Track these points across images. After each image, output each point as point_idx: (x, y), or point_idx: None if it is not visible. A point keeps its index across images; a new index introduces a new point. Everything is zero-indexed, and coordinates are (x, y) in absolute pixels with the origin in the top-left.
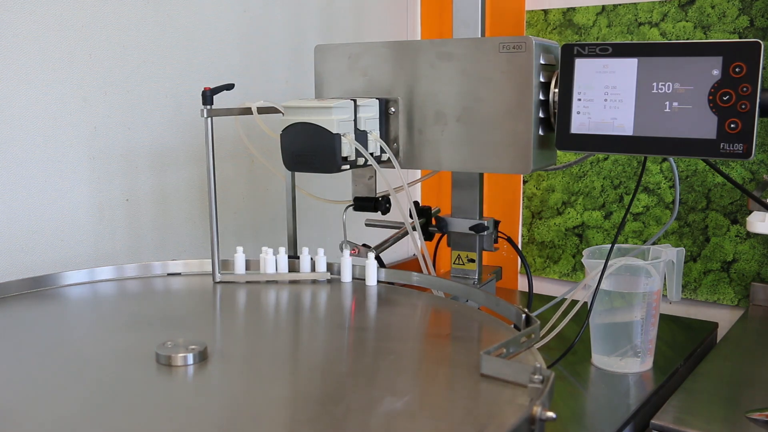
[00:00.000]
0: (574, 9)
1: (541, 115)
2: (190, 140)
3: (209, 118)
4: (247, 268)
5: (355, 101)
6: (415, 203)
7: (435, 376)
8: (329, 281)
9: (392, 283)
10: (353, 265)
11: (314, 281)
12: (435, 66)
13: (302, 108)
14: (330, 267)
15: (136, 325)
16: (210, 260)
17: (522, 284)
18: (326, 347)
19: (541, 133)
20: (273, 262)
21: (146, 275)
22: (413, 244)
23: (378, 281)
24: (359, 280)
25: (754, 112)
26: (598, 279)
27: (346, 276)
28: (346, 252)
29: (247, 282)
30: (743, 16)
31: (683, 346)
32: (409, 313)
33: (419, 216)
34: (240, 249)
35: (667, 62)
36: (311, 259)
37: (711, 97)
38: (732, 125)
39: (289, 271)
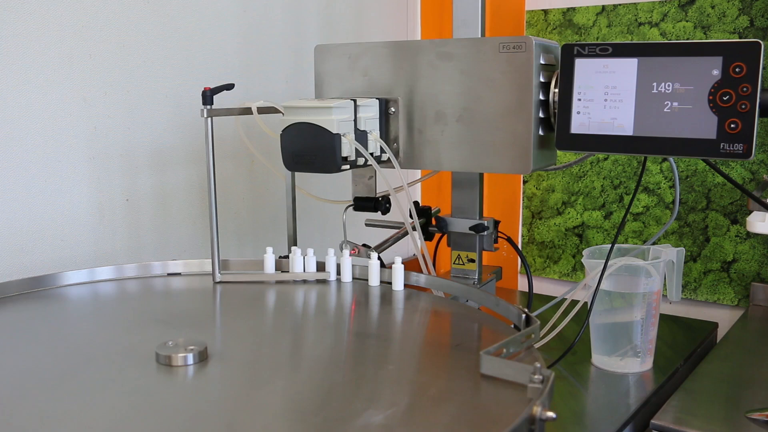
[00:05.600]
0: (574, 9)
1: (541, 115)
2: (190, 140)
3: (209, 118)
4: (277, 268)
5: (355, 101)
6: (415, 203)
7: (435, 376)
8: (330, 281)
9: (392, 284)
10: (354, 265)
11: (316, 281)
12: (435, 66)
13: (302, 108)
14: (320, 266)
15: (136, 325)
16: (210, 260)
17: (522, 284)
18: (325, 347)
19: (541, 133)
20: (272, 261)
21: (146, 275)
22: (413, 244)
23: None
24: (360, 280)
25: (754, 112)
26: (598, 279)
27: (347, 276)
28: (346, 252)
29: (248, 282)
30: (743, 16)
31: (683, 346)
32: (409, 313)
33: (419, 216)
34: (270, 249)
35: (667, 62)
36: (304, 258)
37: (711, 97)
38: (732, 125)
39: (290, 271)
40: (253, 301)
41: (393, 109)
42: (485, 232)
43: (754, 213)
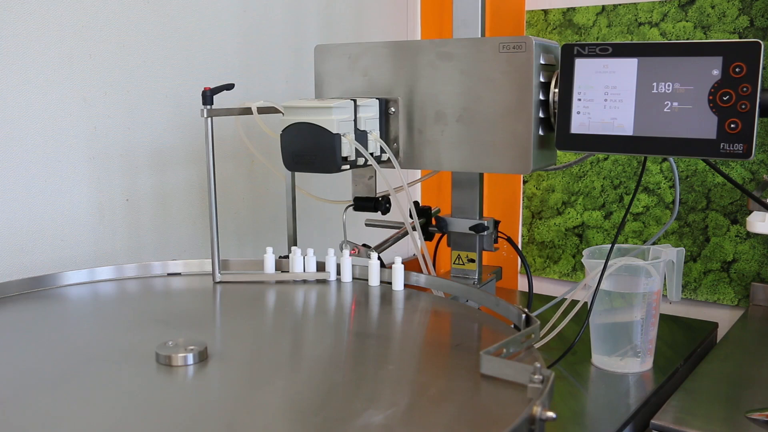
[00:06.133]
0: (574, 9)
1: (541, 115)
2: (190, 140)
3: (209, 118)
4: (277, 268)
5: (355, 101)
6: (415, 203)
7: (435, 376)
8: (330, 281)
9: (392, 284)
10: (354, 265)
11: (316, 281)
12: (435, 66)
13: (302, 108)
14: (320, 266)
15: (136, 325)
16: (210, 260)
17: (522, 284)
18: (325, 347)
19: (541, 133)
20: (272, 261)
21: (146, 275)
22: (413, 244)
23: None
24: (360, 280)
25: (754, 112)
26: (598, 279)
27: (347, 276)
28: (346, 252)
29: (248, 282)
30: (743, 16)
31: (683, 346)
32: (409, 313)
33: (419, 216)
34: (270, 249)
35: (667, 62)
36: (304, 258)
37: (711, 97)
38: (732, 125)
39: (290, 271)
40: (253, 301)
41: (393, 109)
42: (485, 232)
43: (754, 213)
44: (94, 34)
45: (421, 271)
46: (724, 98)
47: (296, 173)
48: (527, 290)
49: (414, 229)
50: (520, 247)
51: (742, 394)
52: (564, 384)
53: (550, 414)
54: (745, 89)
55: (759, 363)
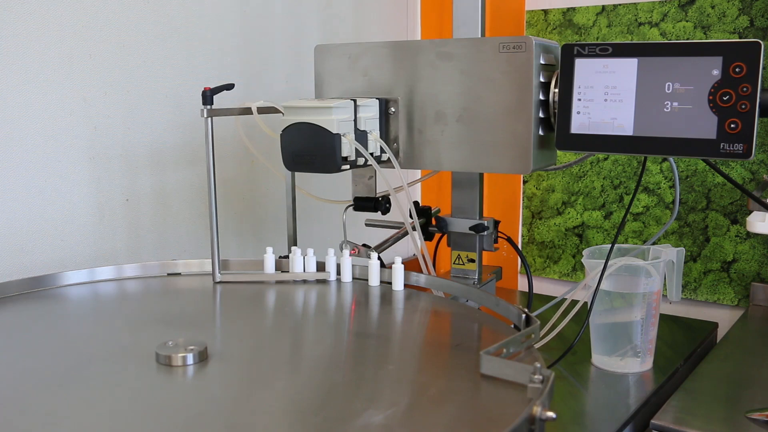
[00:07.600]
0: (574, 9)
1: (541, 115)
2: (190, 140)
3: (209, 118)
4: (277, 268)
5: (355, 101)
6: (415, 203)
7: (435, 376)
8: (330, 281)
9: (392, 284)
10: (354, 265)
11: (316, 281)
12: (435, 66)
13: (302, 108)
14: (320, 266)
15: (136, 325)
16: (210, 260)
17: (522, 284)
18: (325, 347)
19: (541, 133)
20: (272, 261)
21: (146, 275)
22: (413, 244)
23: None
24: (360, 280)
25: (754, 112)
26: (598, 279)
27: (347, 276)
28: (346, 252)
29: (248, 282)
30: (743, 16)
31: (683, 346)
32: (409, 313)
33: (419, 216)
34: (270, 249)
35: (667, 62)
36: (304, 258)
37: (711, 97)
38: (732, 125)
39: (290, 271)
40: (253, 301)
41: (393, 109)
42: (485, 232)
43: (754, 213)
44: (94, 34)
45: (421, 271)
46: (724, 98)
47: (296, 173)
48: (527, 290)
49: (414, 229)
50: (520, 247)
51: (742, 394)
52: (564, 384)
53: (550, 414)
54: (745, 89)
55: (759, 363)
